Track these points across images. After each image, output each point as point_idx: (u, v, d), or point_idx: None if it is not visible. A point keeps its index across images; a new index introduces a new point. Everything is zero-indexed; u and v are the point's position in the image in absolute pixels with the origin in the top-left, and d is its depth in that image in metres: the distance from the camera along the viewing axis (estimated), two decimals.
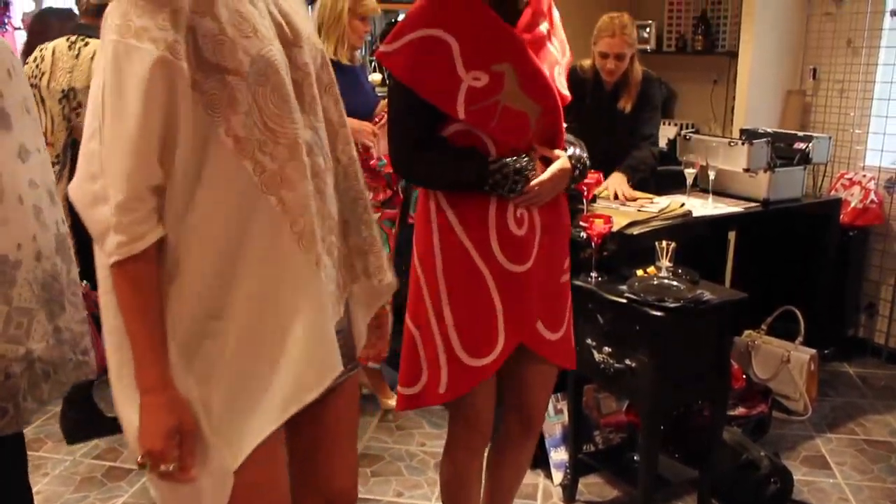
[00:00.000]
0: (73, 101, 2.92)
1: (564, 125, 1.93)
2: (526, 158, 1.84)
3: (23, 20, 8.16)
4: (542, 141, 1.89)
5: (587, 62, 3.42)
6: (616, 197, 3.18)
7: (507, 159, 1.82)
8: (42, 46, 3.03)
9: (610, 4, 4.86)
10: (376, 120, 3.12)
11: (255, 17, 1.30)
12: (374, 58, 1.96)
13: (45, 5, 8.04)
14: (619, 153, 3.36)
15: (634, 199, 3.17)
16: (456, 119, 1.80)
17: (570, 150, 1.94)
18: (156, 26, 1.18)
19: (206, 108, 1.23)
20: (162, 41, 1.18)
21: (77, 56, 2.93)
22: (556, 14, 1.97)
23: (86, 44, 2.95)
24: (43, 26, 3.48)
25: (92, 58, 2.89)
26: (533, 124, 1.85)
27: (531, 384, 2.07)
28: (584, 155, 1.97)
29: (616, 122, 3.39)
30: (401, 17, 4.45)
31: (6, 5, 8.21)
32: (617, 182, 3.23)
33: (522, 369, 2.02)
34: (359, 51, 3.17)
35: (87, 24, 3.01)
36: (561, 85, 1.90)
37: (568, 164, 1.89)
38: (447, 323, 1.90)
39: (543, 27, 1.89)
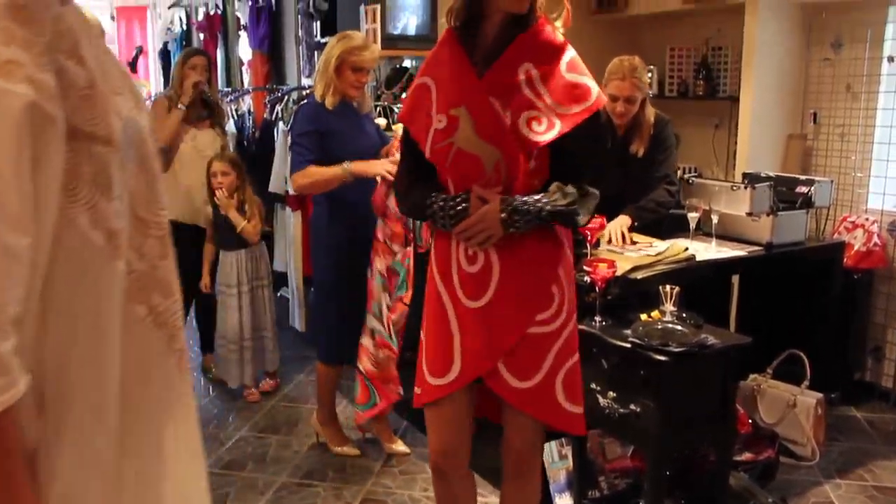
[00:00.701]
0: None
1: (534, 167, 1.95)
2: (460, 198, 1.94)
3: None
4: (509, 183, 1.93)
5: None
6: (610, 241, 3.18)
7: (445, 196, 1.97)
8: None
9: (612, 50, 4.94)
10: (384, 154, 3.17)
11: (118, 64, 1.01)
12: (381, 102, 2.14)
13: None
14: (631, 197, 3.38)
15: (633, 243, 3.19)
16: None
17: (527, 196, 1.91)
18: (32, 60, 0.83)
19: (65, 188, 0.87)
20: (38, 82, 0.83)
21: None
22: (564, 59, 1.94)
23: None
24: None
25: None
26: (489, 168, 1.91)
27: (509, 427, 2.12)
28: (544, 204, 1.91)
29: (628, 166, 3.41)
30: (406, 63, 4.57)
31: None
32: (616, 225, 3.24)
33: (504, 412, 2.09)
34: (359, 96, 3.19)
35: None
36: (532, 130, 1.88)
37: (495, 208, 1.89)
38: (423, 341, 2.13)
39: (523, 72, 1.89)
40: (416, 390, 2.15)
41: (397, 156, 2.98)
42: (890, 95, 4.04)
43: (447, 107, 1.92)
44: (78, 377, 0.90)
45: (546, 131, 1.88)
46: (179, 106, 3.85)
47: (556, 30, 1.97)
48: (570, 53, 1.96)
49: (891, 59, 4.00)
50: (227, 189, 3.78)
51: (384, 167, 3.00)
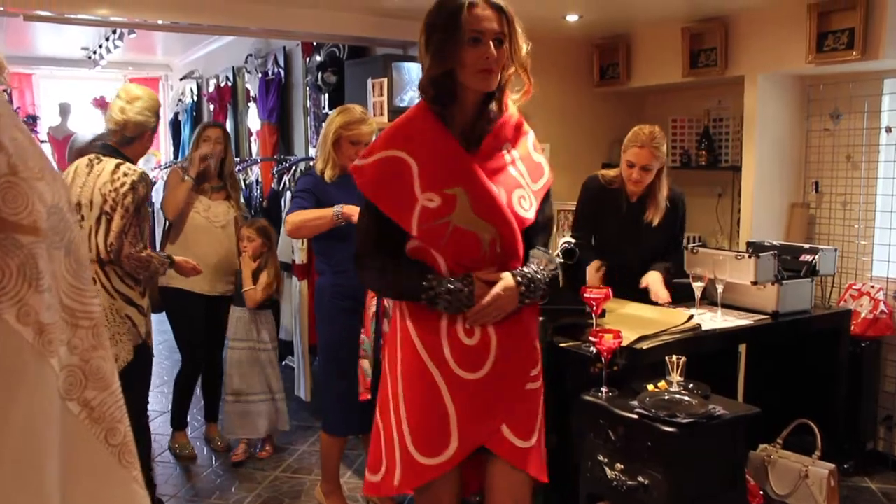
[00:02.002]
0: (78, 214, 3.03)
1: (523, 243, 2.03)
2: (463, 280, 1.93)
3: (48, 134, 8.49)
4: (503, 260, 1.99)
5: (612, 172, 3.50)
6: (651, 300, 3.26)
7: (444, 279, 1.94)
8: (72, 164, 3.18)
9: (614, 121, 5.03)
10: None
11: (37, 145, 0.94)
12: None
13: (69, 122, 8.38)
14: (642, 263, 3.41)
15: (669, 302, 3.26)
16: (412, 235, 1.95)
17: (527, 268, 2.01)
18: None
19: None
20: None
21: (90, 173, 3.05)
22: (528, 139, 2.10)
23: (99, 161, 3.07)
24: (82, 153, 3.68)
25: (100, 174, 3.02)
26: (486, 245, 1.95)
27: (497, 488, 2.07)
28: (544, 271, 2.03)
29: (641, 233, 3.44)
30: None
31: (34, 121, 8.55)
32: (658, 283, 3.30)
33: (491, 472, 2.06)
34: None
35: (110, 145, 3.15)
36: (522, 208, 2.01)
37: (512, 282, 1.97)
38: (402, 421, 2.01)
39: (507, 153, 2.02)
40: (394, 475, 2.03)
41: None
42: (889, 165, 4.09)
43: (439, 185, 1.93)
44: (11, 483, 0.83)
45: (530, 208, 2.04)
46: (186, 177, 3.90)
47: (515, 105, 2.09)
48: (531, 133, 2.12)
49: (888, 130, 4.06)
50: (252, 253, 3.92)
51: None
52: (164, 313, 4.08)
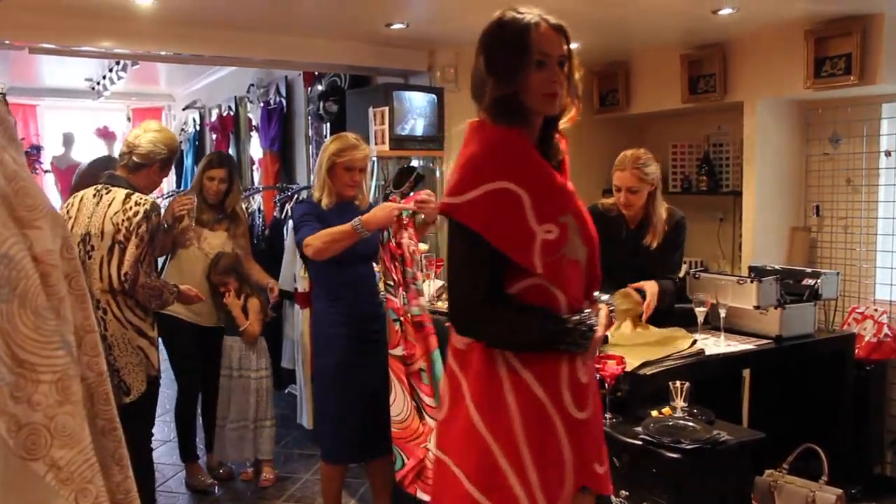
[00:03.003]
0: (87, 244, 3.03)
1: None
2: (589, 310, 1.85)
3: (51, 164, 8.54)
4: (589, 284, 1.93)
5: (610, 200, 3.52)
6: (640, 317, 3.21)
7: (582, 315, 1.81)
8: (76, 194, 3.18)
9: (615, 147, 5.06)
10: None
11: None
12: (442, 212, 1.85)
13: (73, 152, 8.44)
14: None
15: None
16: (531, 274, 1.77)
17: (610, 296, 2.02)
18: None
19: None
20: None
21: (98, 203, 3.06)
22: (567, 163, 2.05)
23: (108, 191, 3.09)
24: (89, 178, 3.69)
25: (110, 204, 3.03)
26: (583, 272, 1.89)
27: None
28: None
29: (642, 257, 3.44)
30: (414, 163, 4.67)
31: (38, 151, 8.60)
32: (652, 289, 3.26)
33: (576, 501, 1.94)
34: (355, 195, 3.26)
35: (118, 175, 3.17)
36: None
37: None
38: (531, 480, 1.79)
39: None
40: None
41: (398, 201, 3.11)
42: (889, 188, 4.11)
43: (555, 215, 1.81)
44: None
45: None
46: (164, 224, 3.85)
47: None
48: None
49: (888, 154, 4.08)
50: (233, 293, 3.93)
51: (391, 210, 3.01)
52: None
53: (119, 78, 6.62)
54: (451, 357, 1.90)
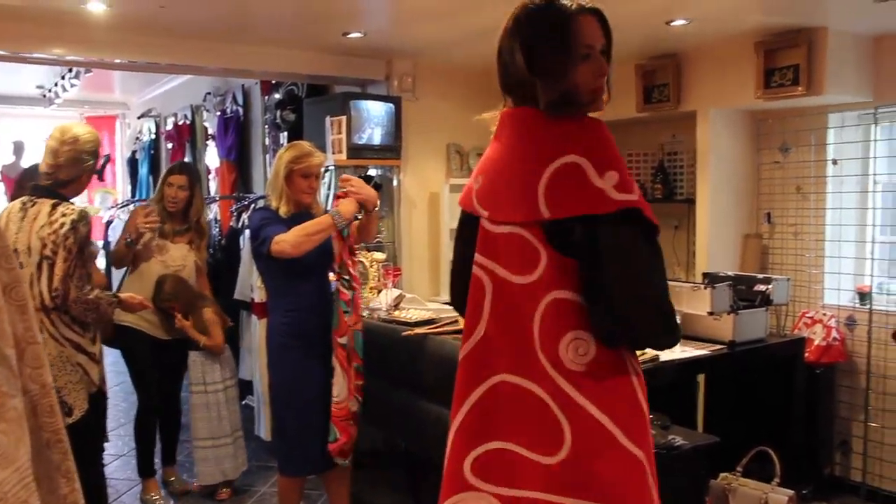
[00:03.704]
0: (17, 261, 2.92)
1: None
2: None
3: (1, 172, 8.35)
4: None
5: None
6: None
7: None
8: (6, 207, 3.04)
9: None
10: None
11: None
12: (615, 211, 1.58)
13: (23, 161, 8.26)
14: None
15: None
16: None
17: None
18: None
19: None
20: None
21: (23, 218, 2.91)
22: None
23: (33, 204, 2.94)
24: (18, 189, 3.58)
25: (35, 218, 2.88)
26: None
27: None
28: None
29: None
30: (371, 172, 4.66)
31: None
32: None
33: None
34: (312, 202, 3.25)
35: (44, 185, 3.00)
36: None
37: None
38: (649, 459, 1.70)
39: None
40: None
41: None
42: (837, 196, 4.22)
43: None
44: None
45: None
46: (127, 239, 3.78)
47: None
48: None
49: (834, 162, 4.19)
50: (183, 313, 3.83)
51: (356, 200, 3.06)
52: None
53: (72, 86, 6.51)
54: (556, 388, 1.62)
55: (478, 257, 1.73)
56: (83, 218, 2.90)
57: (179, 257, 3.92)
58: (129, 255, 3.82)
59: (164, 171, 4.42)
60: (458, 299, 1.92)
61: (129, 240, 3.76)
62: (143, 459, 4.00)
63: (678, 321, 1.64)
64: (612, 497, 1.61)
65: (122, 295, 3.27)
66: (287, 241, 2.94)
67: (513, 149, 1.69)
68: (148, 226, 3.73)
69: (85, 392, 2.92)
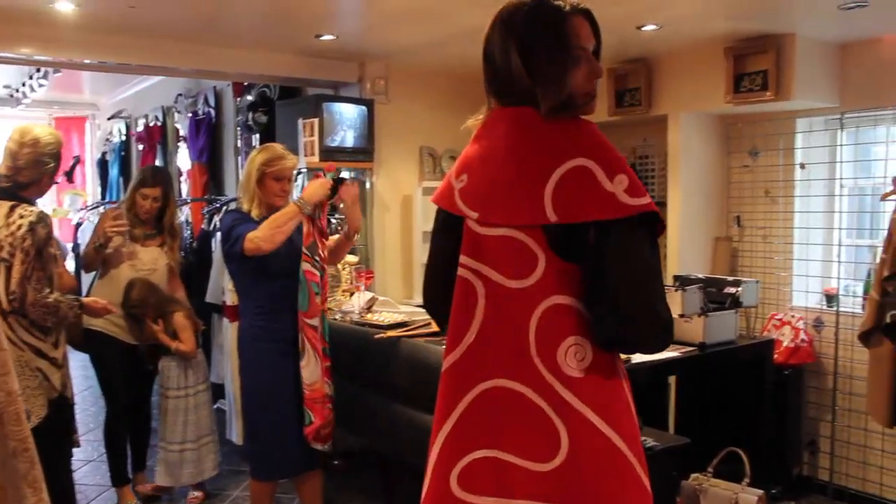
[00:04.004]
0: None
1: None
2: None
3: None
4: None
5: None
6: None
7: None
8: None
9: None
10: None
11: None
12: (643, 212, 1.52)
13: None
14: None
15: None
16: None
17: None
18: None
19: None
20: None
21: None
22: None
23: None
24: None
25: None
26: None
27: None
28: None
29: None
30: (344, 175, 4.64)
31: None
32: None
33: None
34: (284, 205, 3.23)
35: (2, 188, 2.95)
36: None
37: None
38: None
39: None
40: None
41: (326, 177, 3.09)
42: (805, 199, 4.28)
43: None
44: None
45: None
46: (96, 243, 3.71)
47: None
48: None
49: (802, 166, 4.26)
50: (153, 317, 3.78)
51: (325, 183, 3.04)
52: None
53: (40, 86, 6.42)
54: (552, 392, 1.58)
55: (465, 260, 1.67)
56: (41, 220, 2.86)
57: (150, 260, 3.87)
58: (98, 259, 3.77)
59: (135, 172, 4.35)
60: (435, 302, 1.86)
61: (97, 244, 3.71)
62: (116, 468, 3.93)
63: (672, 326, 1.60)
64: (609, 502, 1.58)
65: (86, 299, 3.22)
66: (259, 237, 2.95)
67: (511, 149, 1.63)
68: (116, 230, 3.68)
69: (44, 398, 2.87)
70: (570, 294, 1.58)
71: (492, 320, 1.64)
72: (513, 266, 1.61)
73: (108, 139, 8.65)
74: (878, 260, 3.39)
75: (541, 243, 1.58)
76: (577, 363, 1.57)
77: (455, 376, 1.69)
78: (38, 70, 6.13)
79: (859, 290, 4.09)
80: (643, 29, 3.84)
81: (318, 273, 3.09)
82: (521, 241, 1.60)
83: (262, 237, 2.95)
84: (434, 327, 3.31)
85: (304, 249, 3.08)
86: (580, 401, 1.57)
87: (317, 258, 3.09)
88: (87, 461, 4.49)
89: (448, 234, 1.75)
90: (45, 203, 3.05)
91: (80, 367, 4.32)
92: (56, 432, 2.93)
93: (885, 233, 3.33)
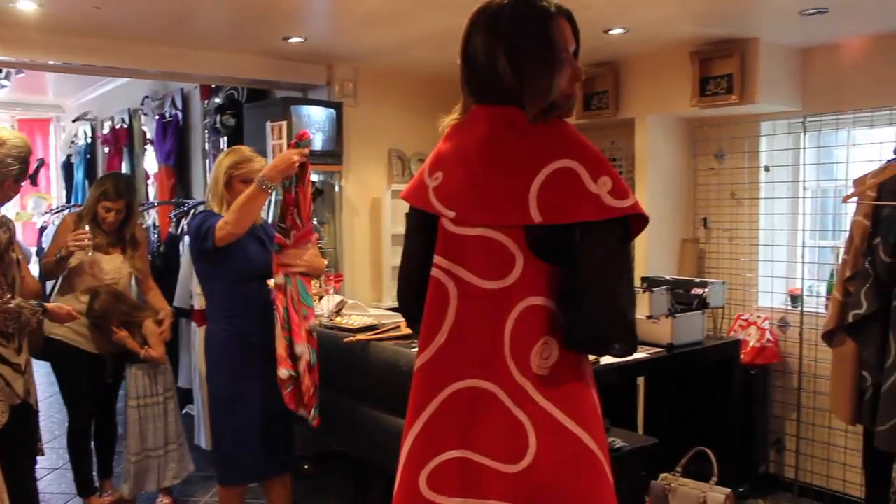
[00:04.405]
0: None
1: None
2: None
3: None
4: None
5: None
6: None
7: None
8: None
9: None
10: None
11: None
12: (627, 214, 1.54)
13: None
14: None
15: None
16: None
17: None
18: None
19: None
20: None
21: None
22: None
23: None
24: None
25: None
26: None
27: None
28: None
29: None
30: (312, 178, 4.61)
31: None
32: None
33: None
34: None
35: None
36: None
37: None
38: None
39: None
40: None
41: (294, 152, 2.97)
42: (769, 201, 4.34)
43: None
44: None
45: None
46: (58, 255, 3.59)
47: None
48: None
49: (766, 169, 4.32)
50: (118, 324, 3.71)
51: (290, 155, 2.95)
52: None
53: (2, 87, 6.31)
54: (522, 393, 1.59)
55: (439, 260, 1.65)
56: (2, 224, 2.81)
57: (113, 269, 3.79)
58: (59, 271, 3.69)
59: (100, 175, 4.27)
60: (410, 302, 1.84)
61: (59, 256, 3.62)
62: (81, 478, 3.85)
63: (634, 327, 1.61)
64: (577, 501, 1.58)
65: (50, 305, 3.16)
66: (227, 223, 2.93)
67: (493, 149, 1.60)
68: (78, 245, 3.59)
69: (5, 404, 2.80)
70: (546, 295, 1.58)
71: (464, 320, 1.63)
72: (489, 266, 1.60)
73: (73, 141, 8.53)
74: (840, 261, 3.44)
75: (520, 244, 1.58)
76: (544, 362, 1.58)
77: (426, 376, 1.68)
78: (0, 71, 6.02)
79: (823, 290, 4.16)
80: (610, 32, 3.87)
81: (285, 239, 2.99)
82: (499, 241, 1.59)
83: (230, 222, 2.92)
84: (404, 330, 3.30)
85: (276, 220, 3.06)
86: (548, 400, 1.58)
87: (282, 224, 3.01)
88: (52, 469, 4.42)
89: (421, 234, 1.74)
90: (9, 206, 2.98)
91: (44, 373, 4.23)
92: (18, 440, 2.87)
93: (847, 234, 3.39)
